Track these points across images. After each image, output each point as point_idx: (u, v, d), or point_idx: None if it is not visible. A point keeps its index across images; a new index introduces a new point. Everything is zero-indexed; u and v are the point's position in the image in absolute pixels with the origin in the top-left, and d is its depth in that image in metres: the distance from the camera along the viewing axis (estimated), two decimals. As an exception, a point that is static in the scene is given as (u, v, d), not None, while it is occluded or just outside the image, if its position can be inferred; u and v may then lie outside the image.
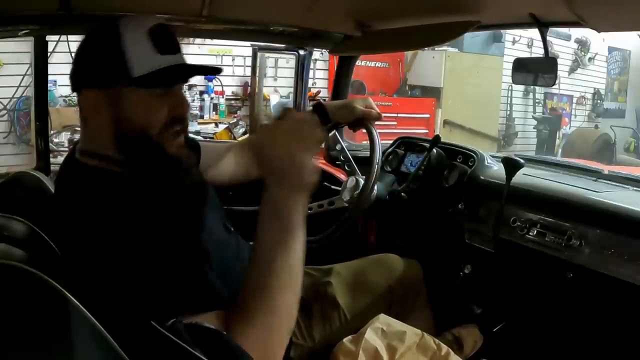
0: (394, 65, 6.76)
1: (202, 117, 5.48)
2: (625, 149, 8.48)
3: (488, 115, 7.16)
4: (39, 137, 1.69)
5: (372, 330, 1.26)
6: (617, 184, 1.63)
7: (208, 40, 5.06)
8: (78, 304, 0.70)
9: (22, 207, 1.05)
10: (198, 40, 5.17)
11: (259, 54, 2.86)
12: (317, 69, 5.96)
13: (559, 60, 1.67)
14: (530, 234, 1.49)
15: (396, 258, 1.57)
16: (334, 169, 2.02)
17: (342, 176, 1.93)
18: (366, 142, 1.33)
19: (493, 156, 1.83)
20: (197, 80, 5.51)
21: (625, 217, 1.34)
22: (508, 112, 7.72)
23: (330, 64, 5.89)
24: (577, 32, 8.08)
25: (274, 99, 5.67)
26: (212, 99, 5.56)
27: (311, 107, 1.40)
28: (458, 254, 1.71)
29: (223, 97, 5.64)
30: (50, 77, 1.66)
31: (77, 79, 0.97)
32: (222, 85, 5.65)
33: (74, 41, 1.64)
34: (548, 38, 1.36)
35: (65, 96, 4.67)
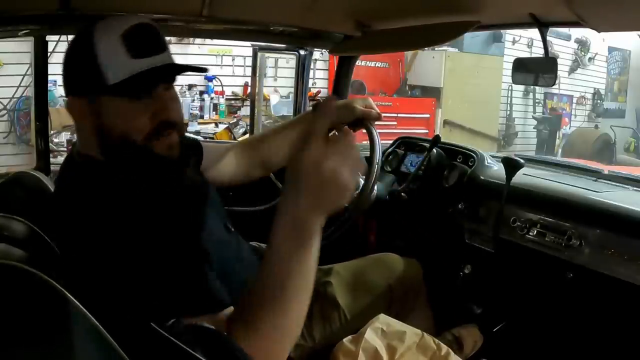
0: (394, 65, 6.76)
1: (202, 117, 5.48)
2: (625, 149, 8.48)
3: (488, 115, 7.16)
4: (39, 137, 1.69)
5: (372, 330, 1.26)
6: (617, 184, 1.63)
7: (208, 40, 5.07)
8: (78, 304, 0.70)
9: (22, 207, 1.05)
10: (198, 40, 5.19)
11: (259, 54, 2.86)
12: (317, 69, 5.96)
13: (559, 60, 1.67)
14: (530, 234, 1.49)
15: (396, 257, 1.57)
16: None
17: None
18: (366, 142, 1.33)
19: (493, 156, 1.83)
20: (197, 80, 5.52)
21: (625, 217, 1.34)
22: (508, 112, 7.73)
23: (330, 64, 5.89)
24: (577, 32, 8.09)
25: (274, 99, 5.68)
26: (212, 99, 5.56)
27: (311, 107, 1.39)
28: (458, 254, 1.71)
29: (223, 97, 5.64)
30: (50, 77, 1.66)
31: (64, 86, 0.97)
32: (222, 85, 5.65)
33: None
34: (548, 38, 1.36)
35: (66, 96, 4.67)
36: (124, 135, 0.91)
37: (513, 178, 1.53)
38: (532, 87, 7.52)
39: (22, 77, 4.49)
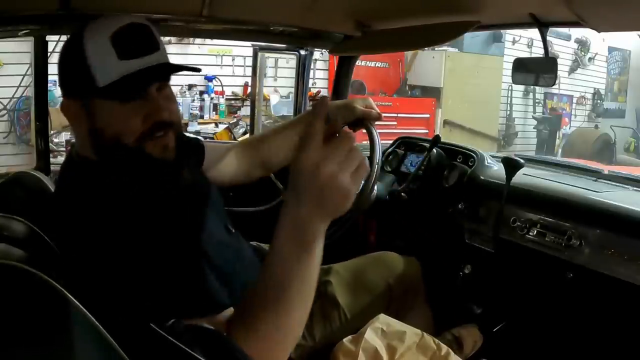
0: (394, 65, 6.76)
1: (202, 117, 5.48)
2: (625, 149, 8.48)
3: (488, 115, 7.16)
4: (39, 137, 1.69)
5: (372, 330, 1.26)
6: (617, 184, 1.63)
7: (208, 40, 5.07)
8: (78, 304, 0.70)
9: (22, 207, 1.05)
10: (198, 40, 5.19)
11: (259, 54, 2.86)
12: (317, 69, 5.96)
13: (559, 60, 1.67)
14: (530, 234, 1.49)
15: (395, 256, 1.57)
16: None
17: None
18: (366, 142, 1.33)
19: (493, 156, 1.83)
20: (197, 80, 5.52)
21: (625, 217, 1.34)
22: (508, 112, 7.73)
23: (330, 64, 5.89)
24: (577, 32, 8.09)
25: (274, 99, 5.68)
26: (212, 99, 5.56)
27: (311, 107, 1.39)
28: (458, 254, 1.71)
29: (223, 97, 5.64)
30: (50, 77, 1.65)
31: (60, 88, 0.97)
32: (222, 85, 5.65)
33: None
34: (548, 38, 1.36)
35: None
36: (117, 138, 0.91)
37: (513, 178, 1.53)
38: (532, 87, 7.52)
39: (22, 77, 4.49)
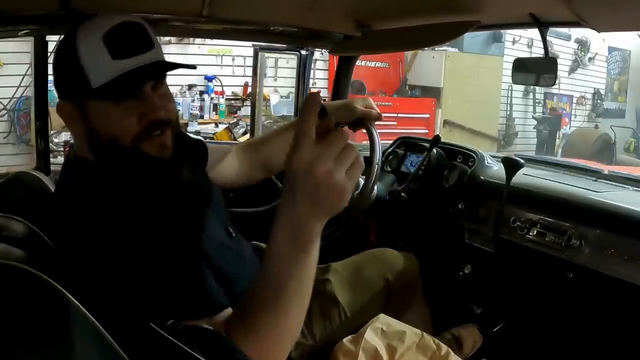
0: (394, 65, 6.76)
1: (202, 117, 5.49)
2: (625, 149, 8.48)
3: (488, 115, 7.16)
4: (39, 137, 1.69)
5: (371, 330, 1.26)
6: (617, 184, 1.63)
7: (208, 40, 5.07)
8: (78, 304, 0.70)
9: (22, 207, 1.05)
10: (198, 40, 5.19)
11: (260, 54, 2.86)
12: (317, 69, 5.96)
13: (559, 60, 1.67)
14: (530, 234, 1.49)
15: (393, 252, 1.58)
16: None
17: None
18: (366, 142, 1.33)
19: (493, 156, 1.83)
20: (197, 80, 5.52)
21: (625, 217, 1.34)
22: (508, 112, 7.73)
23: (330, 64, 5.89)
24: (577, 32, 8.09)
25: (274, 99, 5.68)
26: (212, 99, 5.56)
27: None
28: (458, 254, 1.71)
29: (223, 97, 5.65)
30: (50, 77, 1.65)
31: (55, 88, 0.96)
32: (222, 85, 5.65)
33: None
34: (548, 38, 1.36)
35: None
36: (113, 138, 0.90)
37: (513, 178, 1.53)
38: (532, 87, 7.52)
39: (22, 77, 4.49)
